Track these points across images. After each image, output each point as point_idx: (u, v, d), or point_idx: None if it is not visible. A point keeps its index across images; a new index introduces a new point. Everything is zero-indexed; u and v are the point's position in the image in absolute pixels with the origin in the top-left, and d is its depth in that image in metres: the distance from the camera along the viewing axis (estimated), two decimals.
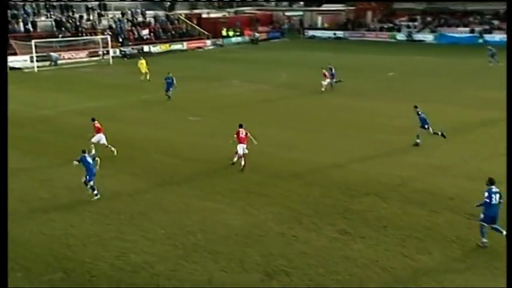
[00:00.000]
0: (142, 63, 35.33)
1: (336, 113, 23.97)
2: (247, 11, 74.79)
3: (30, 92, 30.81)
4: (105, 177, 15.70)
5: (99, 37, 48.19)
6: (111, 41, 48.22)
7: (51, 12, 50.67)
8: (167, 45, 55.09)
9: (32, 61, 41.43)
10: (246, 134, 17.26)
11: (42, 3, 50.55)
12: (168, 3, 62.30)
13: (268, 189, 14.77)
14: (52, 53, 42.83)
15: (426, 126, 18.18)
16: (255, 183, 15.29)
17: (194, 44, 58.15)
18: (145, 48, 52.91)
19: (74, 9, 52.30)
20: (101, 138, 17.95)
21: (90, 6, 53.81)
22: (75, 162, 14.22)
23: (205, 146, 19.21)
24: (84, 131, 21.17)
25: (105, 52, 47.16)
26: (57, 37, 46.70)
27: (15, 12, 47.24)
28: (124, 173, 16.26)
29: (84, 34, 49.07)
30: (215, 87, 32.16)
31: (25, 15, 47.82)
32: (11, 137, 17.84)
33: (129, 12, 57.34)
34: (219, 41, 61.59)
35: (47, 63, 42.92)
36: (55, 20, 49.50)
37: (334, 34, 66.25)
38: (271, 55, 49.31)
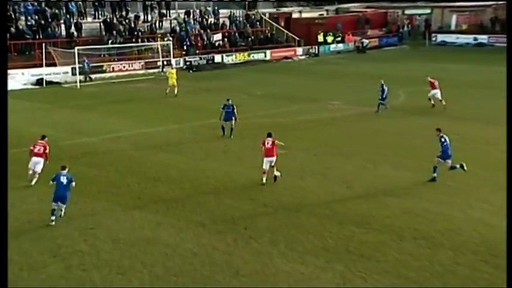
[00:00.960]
0: (172, 74, 38.00)
1: (469, 145, 23.73)
2: (352, 9, 74.93)
3: (70, 114, 32.72)
4: (161, 225, 16.36)
5: (158, 43, 50.55)
6: (174, 48, 50.44)
7: (100, 12, 53.91)
8: (245, 54, 57.00)
9: (73, 73, 44.24)
10: (273, 143, 18.56)
11: (89, 1, 54.11)
12: None
13: (377, 250, 14.64)
14: (85, 60, 45.03)
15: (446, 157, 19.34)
16: (358, 241, 15.21)
17: (280, 53, 59.55)
18: (217, 57, 54.91)
19: (129, 8, 55.22)
20: (36, 163, 19.67)
21: (148, 3, 56.64)
22: (50, 183, 16.81)
23: (292, 188, 19.55)
24: (136, 164, 22.30)
25: (165, 63, 49.43)
26: (106, 43, 49.56)
27: (56, 11, 50.56)
28: (186, 221, 16.79)
29: (139, 39, 51.71)
30: (307, 110, 32.67)
31: (67, 16, 51.06)
32: (47, 171, 19.14)
33: (197, 11, 59.82)
34: (314, 49, 62.68)
35: (91, 76, 45.69)
36: (104, 22, 52.50)
37: (475, 39, 64.84)
38: (385, 68, 49.31)
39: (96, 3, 53.73)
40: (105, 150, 24.54)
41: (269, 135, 19.64)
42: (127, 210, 17.62)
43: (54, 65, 45.20)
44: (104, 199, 18.58)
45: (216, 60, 54.52)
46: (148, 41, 51.91)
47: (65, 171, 16.98)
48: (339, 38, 65.61)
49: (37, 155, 20.04)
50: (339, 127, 28.13)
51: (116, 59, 48.97)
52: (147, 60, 49.65)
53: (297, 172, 21.05)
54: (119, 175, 21.06)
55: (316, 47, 62.80)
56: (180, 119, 30.77)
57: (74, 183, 16.98)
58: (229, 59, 55.57)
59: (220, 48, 56.70)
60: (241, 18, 62.06)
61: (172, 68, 41.68)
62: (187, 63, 52.30)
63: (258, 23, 62.94)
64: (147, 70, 49.07)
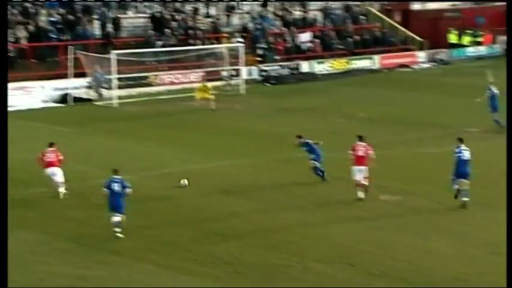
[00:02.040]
0: (206, 87, 41.41)
1: None
2: None
3: (104, 142, 33.63)
4: None
5: (224, 46, 51.46)
6: (245, 52, 50.97)
7: (146, 4, 55.48)
8: (344, 60, 57.37)
9: (109, 87, 45.58)
10: (367, 151, 19.92)
11: None
12: None
13: None
14: (97, 71, 46.13)
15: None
16: None
17: (394, 59, 59.92)
18: (304, 66, 55.37)
19: None
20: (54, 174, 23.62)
21: None
22: (103, 191, 20.18)
23: (407, 248, 19.44)
24: (191, 212, 22.76)
25: (233, 73, 50.18)
26: (154, 46, 50.57)
27: (88, 2, 52.56)
28: None
29: (198, 41, 52.60)
30: (431, 140, 32.59)
31: (103, 9, 52.68)
32: (70, 221, 19.81)
33: (277, 3, 60.74)
34: (442, 54, 62.53)
35: (133, 91, 46.90)
36: (152, 17, 53.83)
37: None
38: None
39: None
40: (150, 192, 24.94)
41: (360, 138, 21.36)
42: (177, 276, 17.86)
43: (84, 75, 46.57)
44: (145, 260, 18.89)
45: (302, 70, 54.88)
46: (210, 43, 52.84)
47: (118, 177, 20.00)
48: (480, 39, 65.07)
49: (51, 164, 23.32)
50: (479, 166, 27.31)
51: (166, 68, 50.03)
52: (208, 70, 50.51)
53: (421, 229, 20.96)
54: (168, 227, 21.41)
55: (447, 52, 62.69)
56: (252, 150, 31.12)
57: (129, 190, 20.12)
58: (321, 67, 55.98)
59: (309, 52, 57.15)
60: (339, 12, 62.54)
61: (204, 83, 43.06)
62: (263, 73, 52.78)
63: (363, 17, 63.29)
64: (207, 83, 49.84)
